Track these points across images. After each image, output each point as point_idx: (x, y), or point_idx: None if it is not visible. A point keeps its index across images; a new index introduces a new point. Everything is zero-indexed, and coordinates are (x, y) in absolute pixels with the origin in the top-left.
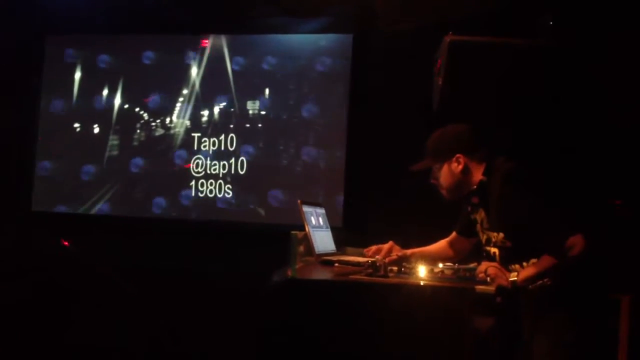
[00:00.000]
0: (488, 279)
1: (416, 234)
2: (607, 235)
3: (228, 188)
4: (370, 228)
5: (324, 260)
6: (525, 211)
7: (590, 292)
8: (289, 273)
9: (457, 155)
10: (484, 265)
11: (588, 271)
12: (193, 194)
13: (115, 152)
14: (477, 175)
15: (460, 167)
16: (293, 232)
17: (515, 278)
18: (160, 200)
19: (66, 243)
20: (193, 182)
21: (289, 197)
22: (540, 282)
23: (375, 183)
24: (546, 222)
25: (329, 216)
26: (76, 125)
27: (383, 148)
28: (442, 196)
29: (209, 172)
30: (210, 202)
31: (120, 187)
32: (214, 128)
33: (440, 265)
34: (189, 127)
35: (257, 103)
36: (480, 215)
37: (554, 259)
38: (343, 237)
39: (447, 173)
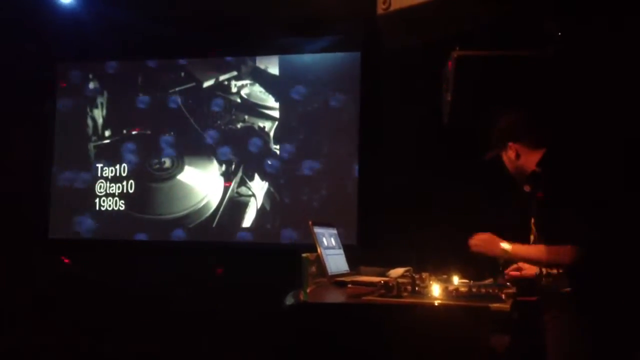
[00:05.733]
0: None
1: (432, 250)
2: (627, 243)
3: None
4: (385, 245)
5: (337, 282)
6: (554, 202)
7: (609, 302)
8: (301, 297)
9: (509, 143)
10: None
11: (606, 280)
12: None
13: (131, 180)
14: (532, 160)
15: (514, 153)
16: (304, 254)
17: (509, 247)
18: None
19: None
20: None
21: (302, 216)
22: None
23: (389, 199)
24: (562, 221)
25: (343, 234)
26: (91, 152)
27: (396, 164)
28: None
29: (219, 191)
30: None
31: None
32: (225, 149)
33: (456, 282)
34: (199, 148)
35: (268, 121)
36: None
37: (546, 253)
38: (358, 255)
39: (506, 161)
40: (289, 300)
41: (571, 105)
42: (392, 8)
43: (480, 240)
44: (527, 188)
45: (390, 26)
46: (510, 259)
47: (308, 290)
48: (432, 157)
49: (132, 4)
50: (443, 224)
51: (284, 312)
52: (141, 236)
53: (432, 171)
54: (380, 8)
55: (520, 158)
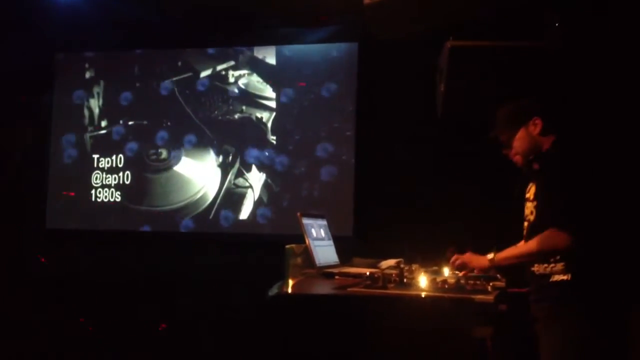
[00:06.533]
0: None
1: (427, 241)
2: (621, 235)
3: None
4: (381, 236)
5: (325, 273)
6: (556, 188)
7: (607, 289)
8: (284, 288)
9: (535, 117)
10: (455, 257)
11: (602, 272)
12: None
13: (127, 171)
14: (548, 141)
15: (538, 128)
16: (288, 245)
17: (492, 256)
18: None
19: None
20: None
21: (299, 207)
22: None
23: (385, 191)
24: (560, 206)
25: (339, 225)
26: (87, 142)
27: (392, 156)
28: (515, 163)
29: (216, 182)
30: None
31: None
32: (222, 140)
33: (446, 273)
34: (196, 139)
35: (265, 112)
36: (530, 192)
37: (534, 246)
38: (354, 246)
39: (524, 136)
40: (272, 291)
41: (569, 97)
42: None
43: (461, 262)
44: (536, 166)
45: (377, 16)
46: (498, 266)
47: (294, 282)
48: (429, 149)
49: None
50: (439, 216)
51: (267, 303)
52: (137, 228)
53: (429, 163)
54: None
55: (543, 133)
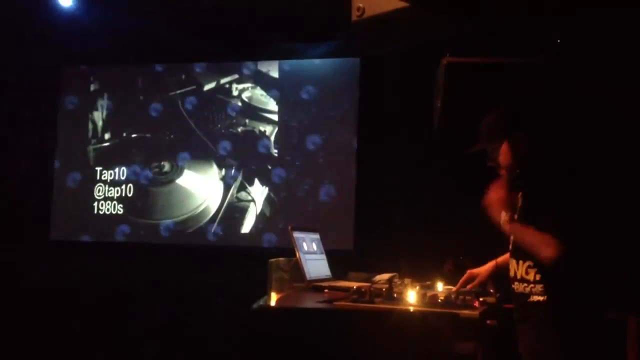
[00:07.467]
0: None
1: (428, 256)
2: (604, 250)
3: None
4: (382, 251)
5: (314, 287)
6: (547, 194)
7: (585, 313)
8: (267, 301)
9: (516, 129)
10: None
11: (582, 290)
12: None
13: (129, 184)
14: (531, 154)
15: (520, 141)
16: (271, 259)
17: (507, 223)
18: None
19: None
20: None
21: (301, 221)
22: None
23: (386, 205)
24: (551, 215)
25: (340, 239)
26: (90, 155)
27: (395, 170)
28: (501, 176)
29: (219, 196)
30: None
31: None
32: (225, 154)
33: (440, 288)
34: (198, 152)
35: (269, 125)
36: (519, 201)
37: (538, 239)
38: (354, 260)
39: (506, 150)
40: (256, 304)
41: (554, 107)
42: (365, 15)
43: (493, 201)
44: (519, 179)
45: (365, 33)
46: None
47: (279, 295)
48: (432, 163)
49: (133, 8)
50: (441, 232)
51: (250, 316)
52: (139, 240)
53: (431, 178)
54: (355, 15)
55: (525, 147)
